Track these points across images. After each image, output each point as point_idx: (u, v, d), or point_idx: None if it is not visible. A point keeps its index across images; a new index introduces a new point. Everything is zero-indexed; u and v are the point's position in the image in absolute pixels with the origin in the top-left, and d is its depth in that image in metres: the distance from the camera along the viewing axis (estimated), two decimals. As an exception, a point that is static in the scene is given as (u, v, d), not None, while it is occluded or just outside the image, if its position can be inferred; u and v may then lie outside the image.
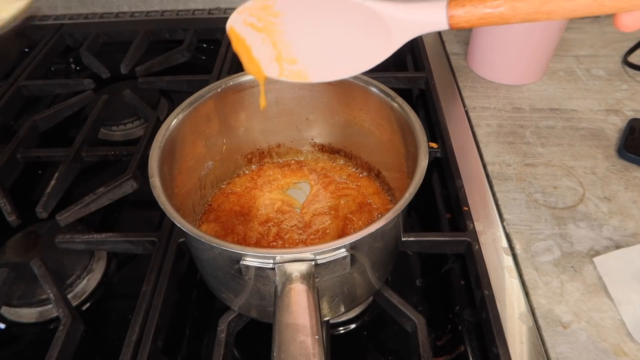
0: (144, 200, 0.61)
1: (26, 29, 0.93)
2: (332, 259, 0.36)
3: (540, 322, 0.46)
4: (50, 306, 0.51)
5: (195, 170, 0.53)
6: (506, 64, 0.74)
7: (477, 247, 0.49)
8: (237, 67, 0.82)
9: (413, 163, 0.43)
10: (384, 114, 0.50)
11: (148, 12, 1.01)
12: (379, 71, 0.77)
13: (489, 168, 0.62)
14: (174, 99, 0.83)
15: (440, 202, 0.61)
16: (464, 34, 0.86)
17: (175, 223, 0.38)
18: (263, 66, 0.37)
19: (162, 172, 0.43)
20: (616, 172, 0.60)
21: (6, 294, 0.51)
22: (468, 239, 0.50)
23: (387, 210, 0.45)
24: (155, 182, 0.41)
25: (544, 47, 0.71)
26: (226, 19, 0.37)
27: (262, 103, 0.42)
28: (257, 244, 0.51)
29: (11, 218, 0.58)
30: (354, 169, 0.59)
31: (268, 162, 0.61)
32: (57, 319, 0.50)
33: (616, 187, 0.58)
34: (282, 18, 0.34)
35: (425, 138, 0.44)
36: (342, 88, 0.53)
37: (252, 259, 0.36)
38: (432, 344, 0.48)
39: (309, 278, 0.35)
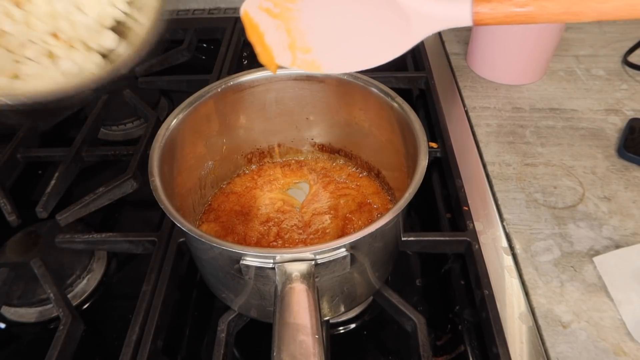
0: (144, 200, 0.61)
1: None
2: (332, 258, 0.36)
3: (540, 321, 0.46)
4: (50, 306, 0.51)
5: (195, 170, 0.53)
6: (506, 63, 0.74)
7: (477, 247, 0.49)
8: (237, 67, 0.82)
9: (413, 163, 0.43)
10: (384, 114, 0.50)
11: (148, 12, 1.01)
12: (379, 71, 0.77)
13: (489, 168, 0.62)
14: (174, 99, 0.83)
15: (440, 202, 0.61)
16: (464, 34, 0.86)
17: (176, 223, 0.38)
18: (275, 54, 0.36)
19: (162, 172, 0.43)
20: (616, 172, 0.60)
21: (6, 293, 0.51)
22: (468, 239, 0.50)
23: (387, 210, 0.45)
24: (156, 182, 0.41)
25: (544, 47, 0.71)
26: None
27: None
28: (258, 244, 0.51)
29: (11, 218, 0.58)
30: (353, 169, 0.59)
31: (268, 162, 0.61)
32: (57, 318, 0.50)
33: (616, 187, 0.58)
34: (299, 4, 0.34)
35: (425, 138, 0.44)
36: (342, 88, 0.53)
37: (252, 259, 0.36)
38: (432, 344, 0.48)
39: (309, 278, 0.35)
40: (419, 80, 0.75)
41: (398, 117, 0.48)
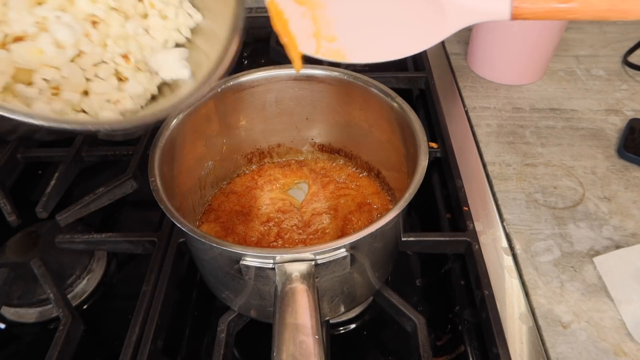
0: (144, 200, 0.61)
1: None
2: (332, 259, 0.36)
3: (540, 322, 0.46)
4: (50, 306, 0.51)
5: (195, 170, 0.53)
6: (506, 64, 0.74)
7: (477, 247, 0.49)
8: (237, 67, 0.82)
9: (413, 163, 0.43)
10: (384, 114, 0.50)
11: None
12: (379, 71, 0.77)
13: (489, 168, 0.62)
14: (174, 99, 0.83)
15: (440, 202, 0.61)
16: (464, 34, 0.86)
17: (176, 223, 0.38)
18: (299, 41, 0.36)
19: (162, 172, 0.43)
20: (616, 172, 0.60)
21: (6, 294, 0.51)
22: (468, 239, 0.50)
23: (387, 210, 0.45)
24: (156, 182, 0.41)
25: (544, 47, 0.71)
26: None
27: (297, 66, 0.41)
28: (258, 244, 0.51)
29: (11, 218, 0.58)
30: (353, 169, 0.59)
31: (268, 162, 0.61)
32: (57, 319, 0.50)
33: (616, 187, 0.58)
34: None
35: (425, 138, 0.44)
36: (342, 88, 0.53)
37: (252, 259, 0.36)
38: (432, 344, 0.48)
39: (309, 278, 0.35)
40: (419, 80, 0.75)
41: (398, 117, 0.48)
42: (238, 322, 0.47)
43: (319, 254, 0.36)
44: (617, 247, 0.51)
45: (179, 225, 0.38)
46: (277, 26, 0.36)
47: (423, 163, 0.41)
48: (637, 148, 0.61)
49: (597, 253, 0.51)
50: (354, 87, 0.51)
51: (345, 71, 0.51)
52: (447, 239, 0.52)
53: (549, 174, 0.60)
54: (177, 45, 0.41)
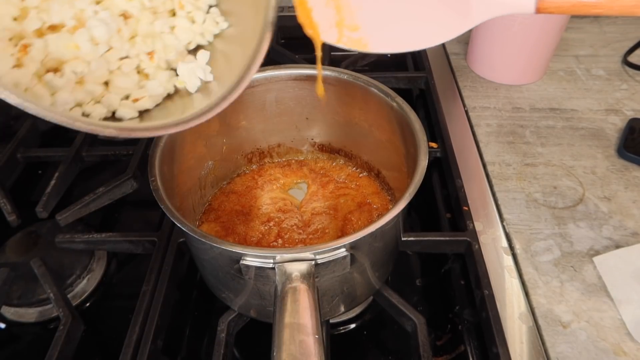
0: (144, 200, 0.61)
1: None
2: (332, 258, 0.36)
3: (540, 321, 0.46)
4: (50, 306, 0.51)
5: (195, 170, 0.53)
6: (506, 63, 0.74)
7: (477, 247, 0.49)
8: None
9: (413, 163, 0.43)
10: (384, 114, 0.50)
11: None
12: (379, 71, 0.77)
13: (489, 168, 0.62)
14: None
15: (440, 202, 0.61)
16: (464, 34, 0.86)
17: (176, 223, 0.38)
18: (321, 30, 0.35)
19: (162, 172, 0.43)
20: (616, 172, 0.60)
21: (6, 293, 0.51)
22: (468, 239, 0.50)
23: (387, 210, 0.45)
24: (156, 182, 0.41)
25: (544, 47, 0.71)
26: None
27: (320, 91, 0.41)
28: (258, 244, 0.51)
29: (11, 218, 0.58)
30: (353, 169, 0.59)
31: (268, 161, 0.61)
32: (57, 318, 0.50)
33: (616, 187, 0.58)
34: None
35: (425, 138, 0.44)
36: (342, 88, 0.53)
37: (252, 259, 0.36)
38: (432, 344, 0.48)
39: (309, 278, 0.35)
40: (419, 80, 0.75)
41: (398, 117, 0.48)
42: (238, 322, 0.47)
43: (319, 253, 0.36)
44: (617, 246, 0.51)
45: (179, 225, 0.38)
46: (301, 16, 0.36)
47: (423, 163, 0.41)
48: (637, 148, 0.61)
49: (597, 253, 0.51)
50: (354, 87, 0.51)
51: (345, 71, 0.51)
52: (447, 238, 0.52)
53: (549, 173, 0.60)
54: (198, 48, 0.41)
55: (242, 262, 0.36)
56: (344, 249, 0.36)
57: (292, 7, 0.37)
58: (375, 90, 0.50)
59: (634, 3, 0.26)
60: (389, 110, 0.49)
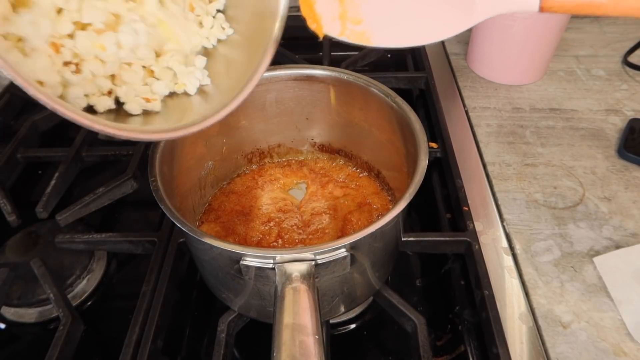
0: (144, 200, 0.61)
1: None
2: (332, 259, 0.36)
3: (540, 322, 0.46)
4: (50, 306, 0.51)
5: (195, 170, 0.53)
6: (506, 64, 0.74)
7: (477, 247, 0.49)
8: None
9: (413, 163, 0.43)
10: (384, 114, 0.50)
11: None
12: (379, 71, 0.77)
13: (489, 168, 0.62)
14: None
15: (440, 202, 0.61)
16: (464, 34, 0.86)
17: (176, 223, 0.38)
18: (324, 22, 0.36)
19: (162, 172, 0.43)
20: (616, 172, 0.60)
21: (6, 294, 0.51)
22: (468, 239, 0.50)
23: (387, 210, 0.45)
24: (156, 182, 0.41)
25: (544, 47, 0.71)
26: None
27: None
28: (259, 244, 0.51)
29: (11, 218, 0.58)
30: (353, 169, 0.59)
31: (268, 162, 0.61)
32: (57, 319, 0.50)
33: (616, 187, 0.58)
34: None
35: (425, 138, 0.44)
36: (342, 88, 0.53)
37: (252, 259, 0.36)
38: (432, 344, 0.48)
39: (309, 278, 0.35)
40: (419, 80, 0.75)
41: (398, 117, 0.48)
42: (238, 322, 0.47)
43: (319, 254, 0.36)
44: (617, 247, 0.51)
45: (179, 225, 0.38)
46: (304, 9, 0.36)
47: (423, 163, 0.41)
48: (637, 148, 0.61)
49: (597, 253, 0.51)
50: (354, 87, 0.51)
51: (346, 71, 0.51)
52: (447, 239, 0.52)
53: (549, 174, 0.60)
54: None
55: (242, 262, 0.36)
56: (344, 249, 0.36)
57: (292, 7, 0.37)
58: (375, 90, 0.50)
59: (637, 5, 0.26)
60: (389, 110, 0.49)
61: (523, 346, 0.44)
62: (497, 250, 0.52)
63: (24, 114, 0.79)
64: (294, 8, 0.37)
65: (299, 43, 0.67)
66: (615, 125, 0.67)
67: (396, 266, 0.50)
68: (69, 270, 0.54)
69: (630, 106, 0.70)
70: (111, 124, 0.34)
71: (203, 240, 0.37)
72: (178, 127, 0.36)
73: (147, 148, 0.61)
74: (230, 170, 0.59)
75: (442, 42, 0.86)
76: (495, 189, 0.59)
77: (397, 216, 0.38)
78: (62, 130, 0.76)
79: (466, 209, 0.53)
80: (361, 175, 0.58)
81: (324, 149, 0.61)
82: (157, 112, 0.38)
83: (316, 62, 0.62)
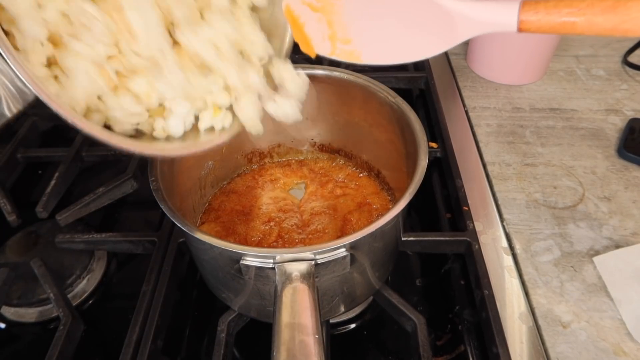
0: (144, 200, 0.61)
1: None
2: (332, 258, 0.36)
3: (540, 321, 0.46)
4: (50, 306, 0.51)
5: (195, 169, 0.53)
6: (506, 63, 0.74)
7: (477, 247, 0.49)
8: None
9: (413, 163, 0.43)
10: (384, 114, 0.50)
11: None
12: (379, 71, 0.77)
13: (489, 168, 0.62)
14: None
15: (440, 202, 0.61)
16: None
17: (176, 223, 0.38)
18: (314, 43, 0.37)
19: (162, 172, 0.43)
20: (616, 172, 0.60)
21: (6, 293, 0.51)
22: (468, 239, 0.50)
23: (387, 210, 0.45)
24: (156, 182, 0.41)
25: (544, 47, 0.71)
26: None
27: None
28: (259, 244, 0.51)
29: (11, 218, 0.58)
30: (353, 169, 0.59)
31: (268, 161, 0.61)
32: (57, 318, 0.50)
33: (616, 187, 0.58)
34: (341, 0, 0.34)
35: (425, 138, 0.44)
36: (342, 88, 0.53)
37: (252, 259, 0.36)
38: (432, 344, 0.48)
39: (309, 278, 0.35)
40: (419, 80, 0.75)
41: (398, 117, 0.48)
42: (238, 322, 0.47)
43: (319, 253, 0.36)
44: (617, 246, 0.51)
45: (179, 225, 0.38)
46: (295, 34, 0.38)
47: (423, 163, 0.41)
48: (637, 148, 0.61)
49: (597, 253, 0.51)
50: (354, 87, 0.51)
51: (345, 71, 0.51)
52: (447, 238, 0.51)
53: (549, 174, 0.60)
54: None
55: (242, 262, 0.36)
56: (344, 249, 0.36)
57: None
58: (375, 90, 0.50)
59: (611, 27, 0.27)
60: (389, 110, 0.49)
61: (523, 346, 0.44)
62: (497, 250, 0.52)
63: (24, 114, 0.79)
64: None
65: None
66: (615, 125, 0.67)
67: (396, 266, 0.50)
68: (69, 270, 0.54)
69: (630, 106, 0.70)
70: (153, 146, 0.36)
71: (203, 240, 0.37)
72: (191, 145, 0.38)
73: (147, 148, 0.61)
74: (230, 170, 0.59)
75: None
76: (495, 188, 0.59)
77: (397, 216, 0.38)
78: (62, 130, 0.76)
79: (466, 208, 0.53)
80: (361, 175, 0.58)
81: (323, 148, 0.61)
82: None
83: (316, 62, 0.62)
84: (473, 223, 0.52)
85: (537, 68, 0.74)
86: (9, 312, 0.52)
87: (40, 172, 0.71)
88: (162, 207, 0.39)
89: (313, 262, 0.36)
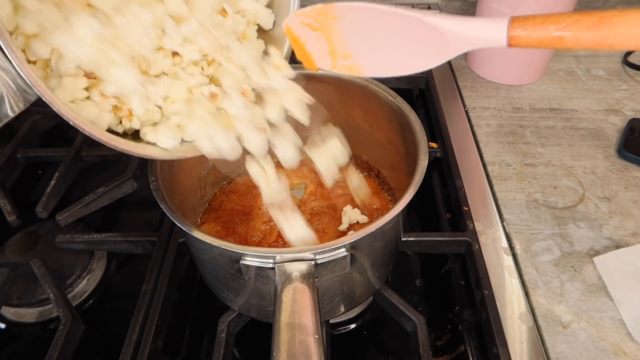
0: (144, 200, 0.61)
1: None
2: (332, 258, 0.36)
3: (540, 322, 0.46)
4: (50, 306, 0.51)
5: (195, 169, 0.53)
6: (506, 64, 0.74)
7: (477, 247, 0.49)
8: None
9: (413, 163, 0.43)
10: (384, 114, 0.50)
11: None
12: (379, 71, 0.77)
13: (489, 168, 0.62)
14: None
15: (440, 202, 0.61)
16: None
17: (176, 223, 0.38)
18: (315, 59, 0.39)
19: (162, 172, 0.43)
20: (616, 172, 0.60)
21: (6, 294, 0.51)
22: (468, 239, 0.50)
23: (387, 210, 0.45)
24: (156, 182, 0.41)
25: (544, 47, 0.71)
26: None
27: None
28: (260, 244, 0.51)
29: (11, 218, 0.58)
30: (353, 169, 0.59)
31: (268, 162, 0.61)
32: (57, 318, 0.50)
33: (616, 187, 0.58)
34: (339, 20, 0.36)
35: (425, 138, 0.44)
36: (342, 88, 0.53)
37: (252, 259, 0.36)
38: (432, 344, 0.48)
39: (309, 278, 0.35)
40: (419, 80, 0.75)
41: (398, 117, 0.48)
42: (238, 322, 0.47)
43: (319, 253, 0.36)
44: (617, 247, 0.51)
45: (179, 225, 0.38)
46: (297, 52, 0.40)
47: (423, 163, 0.41)
48: (637, 148, 0.61)
49: (597, 253, 0.51)
50: (354, 87, 0.51)
51: (345, 71, 0.51)
52: (447, 239, 0.52)
53: (549, 174, 0.60)
54: None
55: (242, 262, 0.36)
56: (344, 249, 0.36)
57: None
58: (375, 90, 0.50)
59: (597, 41, 0.28)
60: (389, 110, 0.49)
61: (523, 346, 0.44)
62: (497, 250, 0.52)
63: (24, 113, 0.79)
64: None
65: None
66: (615, 125, 0.67)
67: (396, 266, 0.50)
68: (69, 270, 0.54)
69: (630, 106, 0.70)
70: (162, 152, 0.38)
71: (203, 240, 0.37)
72: (192, 148, 0.39)
73: (147, 148, 0.61)
74: (230, 170, 0.59)
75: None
76: (495, 189, 0.59)
77: (397, 216, 0.38)
78: (62, 130, 0.76)
79: (466, 209, 0.53)
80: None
81: (324, 149, 0.60)
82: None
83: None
84: (473, 223, 0.52)
85: (537, 68, 0.74)
86: (9, 312, 0.52)
87: (40, 172, 0.71)
88: (162, 207, 0.39)
89: (313, 262, 0.36)
